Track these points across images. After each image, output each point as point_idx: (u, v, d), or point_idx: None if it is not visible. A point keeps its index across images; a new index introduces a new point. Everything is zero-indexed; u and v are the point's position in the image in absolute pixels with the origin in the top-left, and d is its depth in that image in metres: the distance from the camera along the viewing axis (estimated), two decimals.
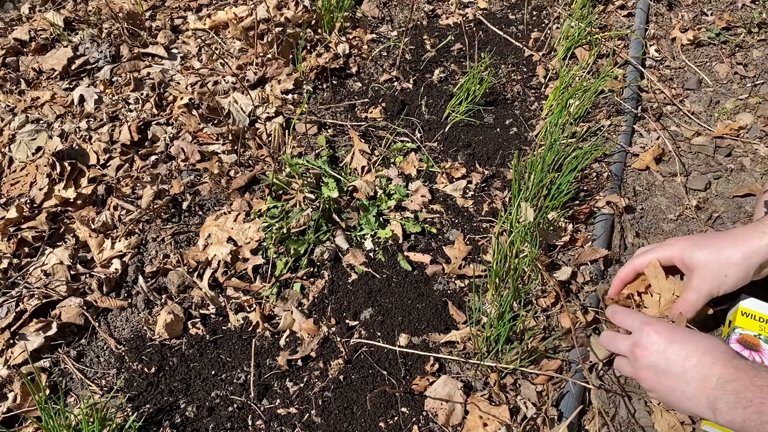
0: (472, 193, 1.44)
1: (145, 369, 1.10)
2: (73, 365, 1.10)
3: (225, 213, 1.35)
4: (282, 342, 1.15)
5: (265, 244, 1.28)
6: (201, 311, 1.19)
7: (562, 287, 1.20)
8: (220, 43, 1.81)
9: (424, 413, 1.04)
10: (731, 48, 1.85)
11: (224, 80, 1.66)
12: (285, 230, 1.27)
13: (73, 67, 1.70)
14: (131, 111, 1.58)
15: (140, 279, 1.22)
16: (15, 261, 1.24)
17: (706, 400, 0.83)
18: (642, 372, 0.92)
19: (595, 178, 1.47)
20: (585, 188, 1.45)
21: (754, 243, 0.95)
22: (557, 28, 1.92)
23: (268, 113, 1.57)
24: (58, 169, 1.39)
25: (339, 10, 1.82)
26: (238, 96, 1.60)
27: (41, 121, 1.54)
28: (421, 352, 1.11)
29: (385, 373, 1.09)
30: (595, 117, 1.62)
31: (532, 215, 1.22)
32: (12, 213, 1.31)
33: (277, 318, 1.19)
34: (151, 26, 1.85)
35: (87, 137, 1.51)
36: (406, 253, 1.29)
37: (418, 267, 1.27)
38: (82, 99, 1.60)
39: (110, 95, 1.63)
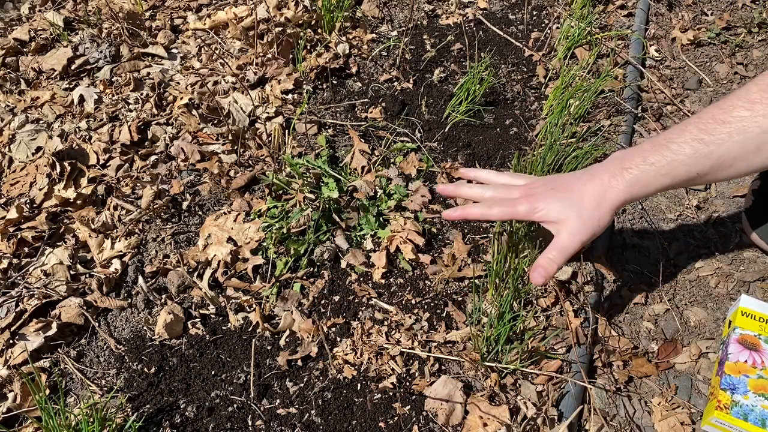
0: None
1: (145, 369, 1.10)
2: (73, 365, 1.10)
3: (225, 213, 1.35)
4: (282, 342, 1.15)
5: (265, 244, 1.28)
6: (201, 311, 1.19)
7: (562, 287, 1.20)
8: (220, 43, 1.81)
9: (424, 413, 1.04)
10: (731, 48, 1.85)
11: (224, 80, 1.66)
12: (285, 230, 1.27)
13: (72, 67, 1.69)
14: (131, 111, 1.58)
15: (140, 279, 1.22)
16: (15, 261, 1.24)
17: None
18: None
19: None
20: None
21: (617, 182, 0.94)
22: (557, 28, 1.92)
23: (268, 113, 1.57)
24: (58, 169, 1.39)
25: (339, 10, 1.82)
26: (238, 96, 1.60)
27: (41, 121, 1.54)
28: (421, 352, 1.11)
29: None
30: (595, 117, 1.62)
31: None
32: (12, 213, 1.31)
33: (277, 318, 1.19)
34: (151, 26, 1.85)
35: (87, 137, 1.51)
36: None
37: (419, 267, 1.27)
38: (82, 99, 1.60)
39: (110, 95, 1.63)
